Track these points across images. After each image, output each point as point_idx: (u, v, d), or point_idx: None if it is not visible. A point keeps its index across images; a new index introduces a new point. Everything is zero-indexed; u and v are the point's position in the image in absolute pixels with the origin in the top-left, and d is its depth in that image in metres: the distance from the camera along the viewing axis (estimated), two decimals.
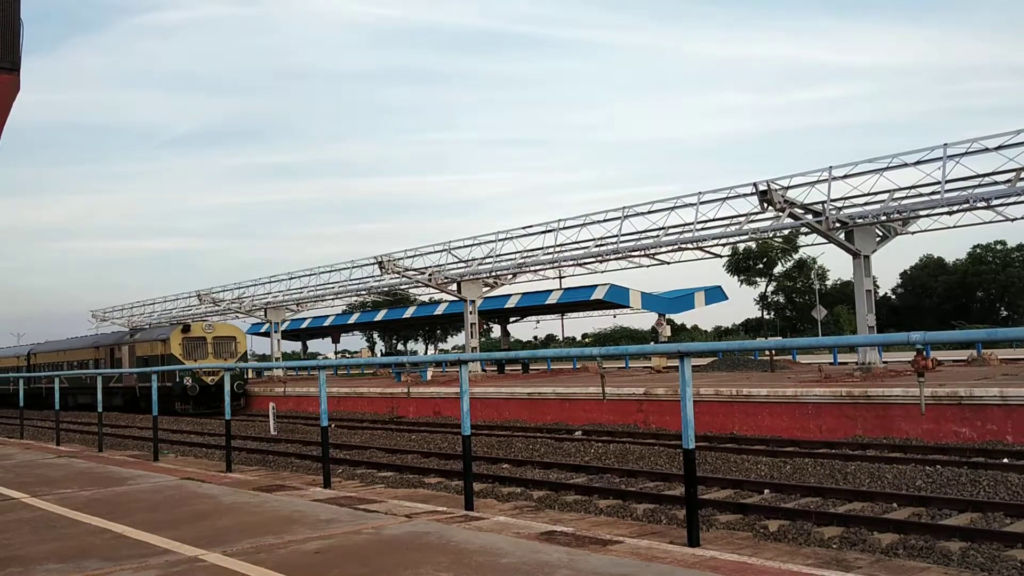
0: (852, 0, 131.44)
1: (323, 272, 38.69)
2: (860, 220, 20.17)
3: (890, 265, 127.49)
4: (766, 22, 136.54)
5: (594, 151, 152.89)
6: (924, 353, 13.90)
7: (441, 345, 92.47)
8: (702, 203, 22.88)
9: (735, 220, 23.08)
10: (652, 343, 54.18)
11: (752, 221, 22.32)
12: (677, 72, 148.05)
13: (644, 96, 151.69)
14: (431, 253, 32.00)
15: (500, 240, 29.44)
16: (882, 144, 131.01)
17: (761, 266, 65.18)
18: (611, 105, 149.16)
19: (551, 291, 42.56)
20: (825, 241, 22.44)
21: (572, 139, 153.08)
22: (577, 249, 27.27)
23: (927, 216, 20.10)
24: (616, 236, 25.32)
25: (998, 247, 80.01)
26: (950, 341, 6.04)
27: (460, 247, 31.08)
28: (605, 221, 25.82)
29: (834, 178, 20.01)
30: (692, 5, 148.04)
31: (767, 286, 70.41)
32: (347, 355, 76.25)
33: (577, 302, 42.80)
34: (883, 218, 20.10)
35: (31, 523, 7.50)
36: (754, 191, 20.61)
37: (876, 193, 20.25)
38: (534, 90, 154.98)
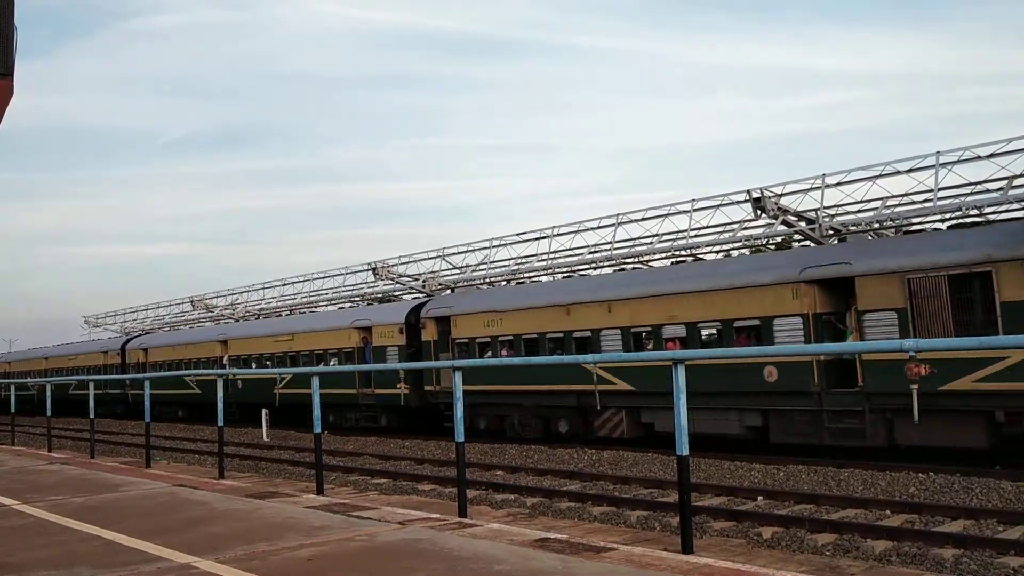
0: (852, 7, 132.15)
1: (317, 278, 38.57)
2: (853, 227, 20.23)
3: None
4: (765, 29, 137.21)
5: (591, 157, 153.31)
6: (916, 360, 13.90)
7: None
8: (696, 210, 22.89)
9: (728, 227, 23.10)
10: None
11: (745, 228, 22.34)
12: (675, 78, 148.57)
13: (642, 102, 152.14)
14: (425, 259, 31.96)
15: (494, 247, 29.44)
16: (879, 151, 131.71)
17: None
18: (609, 111, 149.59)
19: None
20: None
21: (569, 145, 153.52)
22: (571, 256, 27.28)
23: (920, 223, 20.17)
24: (610, 243, 25.35)
25: None
26: (942, 348, 6.05)
27: (454, 253, 31.01)
28: (599, 228, 25.82)
29: (827, 185, 20.05)
30: (691, 12, 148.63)
31: None
32: None
33: None
34: (876, 225, 20.14)
35: (22, 530, 7.46)
36: (748, 198, 20.65)
37: (869, 200, 20.29)
38: (531, 96, 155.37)
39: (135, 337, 44.17)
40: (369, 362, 24.66)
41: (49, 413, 18.79)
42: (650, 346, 18.27)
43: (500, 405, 21.57)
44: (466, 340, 22.89)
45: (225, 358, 33.25)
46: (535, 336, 21.15)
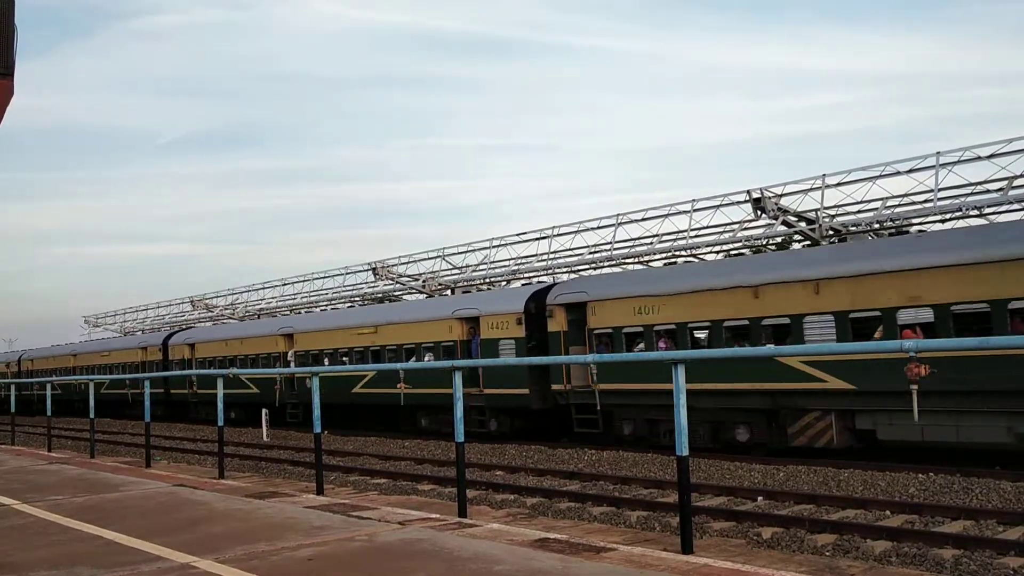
0: (852, 7, 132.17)
1: (317, 278, 38.63)
2: (853, 228, 20.24)
3: None
4: (765, 29, 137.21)
5: (591, 157, 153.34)
6: (917, 360, 13.87)
7: None
8: (696, 210, 22.92)
9: (728, 227, 23.13)
10: None
11: (746, 228, 22.36)
12: (675, 78, 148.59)
13: (642, 102, 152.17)
14: (425, 260, 32.00)
15: (494, 247, 29.46)
16: (879, 151, 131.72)
17: None
18: (609, 111, 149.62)
19: None
20: None
21: (569, 145, 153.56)
22: (571, 256, 27.31)
23: (920, 224, 20.20)
24: (610, 243, 25.37)
25: None
26: (943, 349, 6.04)
27: (454, 253, 31.07)
28: (599, 228, 25.86)
29: (827, 186, 20.07)
30: (691, 12, 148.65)
31: None
32: None
33: None
34: (876, 226, 20.16)
35: (22, 530, 7.46)
36: (748, 198, 20.67)
37: (869, 201, 20.32)
38: (531, 96, 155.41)
39: (180, 331, 40.44)
40: (476, 357, 21.73)
41: (49, 413, 18.81)
42: (877, 335, 14.88)
43: (651, 407, 17.95)
44: (609, 331, 19.07)
45: (290, 354, 29.56)
46: (707, 325, 17.38)
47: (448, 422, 22.61)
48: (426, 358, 23.64)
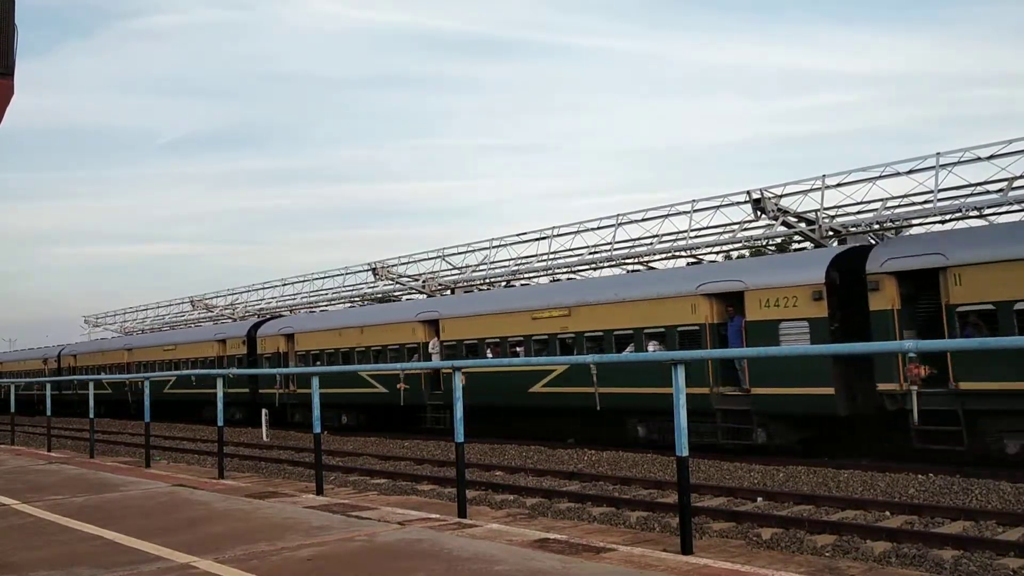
0: (852, 7, 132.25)
1: (316, 279, 38.59)
2: (853, 229, 20.24)
3: None
4: (765, 29, 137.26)
5: (591, 157, 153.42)
6: (916, 361, 13.83)
7: None
8: (696, 211, 22.91)
9: (728, 228, 23.13)
10: None
11: (745, 229, 22.36)
12: (675, 78, 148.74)
13: (642, 102, 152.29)
14: (425, 260, 31.98)
15: (494, 247, 29.43)
16: (879, 152, 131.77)
17: None
18: (609, 111, 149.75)
19: None
20: None
21: (569, 145, 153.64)
22: (571, 256, 27.30)
23: (920, 225, 20.20)
24: (610, 244, 25.36)
25: None
26: (942, 350, 6.00)
27: (454, 254, 31.04)
28: (599, 228, 25.85)
29: (827, 186, 20.06)
30: (692, 13, 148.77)
31: None
32: None
33: None
34: (876, 227, 20.15)
35: (21, 530, 7.46)
36: (748, 199, 20.67)
37: (869, 202, 20.32)
38: (532, 96, 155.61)
39: (269, 320, 34.09)
40: (736, 346, 16.59)
41: (49, 413, 18.80)
42: None
43: None
44: (988, 307, 13.42)
45: (432, 344, 23.97)
46: None
47: (672, 429, 19.35)
48: (650, 348, 18.61)
